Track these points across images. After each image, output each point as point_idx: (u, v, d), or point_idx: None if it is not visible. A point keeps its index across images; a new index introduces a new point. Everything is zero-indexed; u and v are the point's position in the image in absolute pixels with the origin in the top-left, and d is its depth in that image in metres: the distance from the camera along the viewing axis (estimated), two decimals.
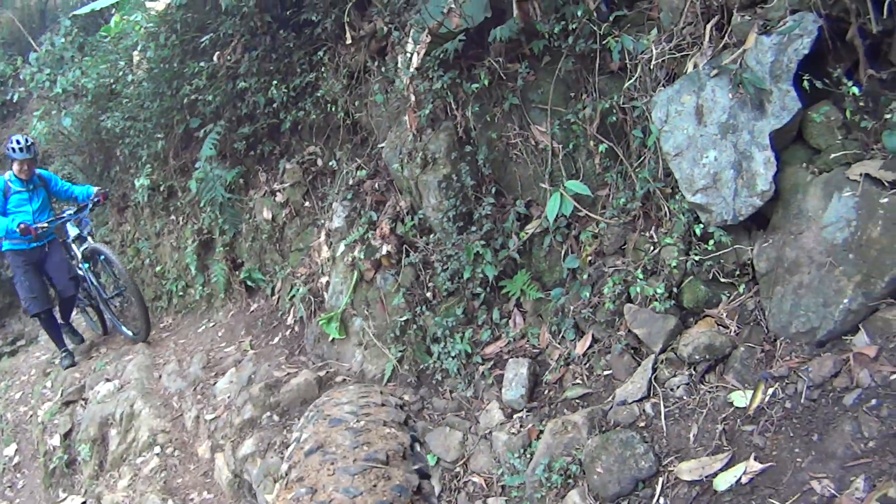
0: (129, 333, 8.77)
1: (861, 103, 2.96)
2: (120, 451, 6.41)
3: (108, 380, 7.65)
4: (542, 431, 3.42)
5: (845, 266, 2.78)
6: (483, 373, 4.33)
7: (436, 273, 4.85)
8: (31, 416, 8.94)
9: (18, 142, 8.09)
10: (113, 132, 9.66)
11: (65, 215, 8.55)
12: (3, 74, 15.88)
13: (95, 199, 8.53)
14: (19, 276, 8.63)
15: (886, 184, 2.73)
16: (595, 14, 4.02)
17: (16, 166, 8.21)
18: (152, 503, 5.28)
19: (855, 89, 2.87)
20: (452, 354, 4.55)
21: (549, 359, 4.07)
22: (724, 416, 2.81)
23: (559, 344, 4.05)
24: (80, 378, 8.35)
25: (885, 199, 2.70)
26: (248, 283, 7.42)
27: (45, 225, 8.23)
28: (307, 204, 6.56)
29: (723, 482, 2.57)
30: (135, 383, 7.13)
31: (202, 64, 7.23)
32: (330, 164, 6.30)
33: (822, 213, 2.91)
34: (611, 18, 4.00)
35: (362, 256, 5.29)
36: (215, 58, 7.06)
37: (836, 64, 3.11)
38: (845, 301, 2.77)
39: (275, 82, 6.53)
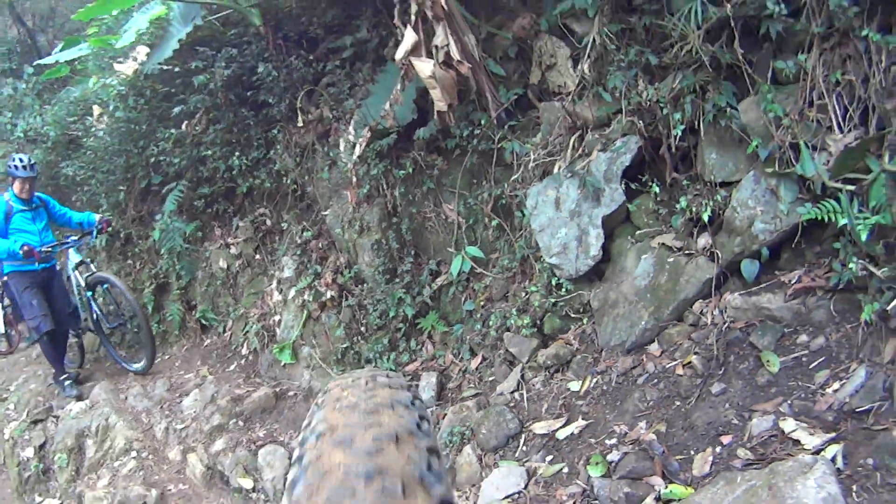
0: (132, 367, 8.70)
1: (660, 198, 4.58)
2: (97, 457, 7.04)
3: (78, 399, 8.03)
4: (446, 414, 4.91)
5: (644, 302, 4.32)
6: None
7: (368, 313, 6.25)
8: None
9: (21, 160, 8.08)
10: (73, 179, 10.11)
11: (69, 240, 8.56)
12: None
13: (99, 227, 8.43)
14: (25, 298, 8.37)
15: (674, 249, 4.34)
16: (496, 121, 5.60)
17: (17, 185, 8.14)
18: (135, 493, 6.08)
19: (656, 188, 4.49)
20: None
21: (452, 373, 5.48)
22: (564, 396, 4.30)
23: (459, 362, 5.47)
24: (43, 400, 8.69)
25: (671, 259, 4.28)
26: (203, 321, 8.37)
27: (49, 249, 8.17)
28: (258, 256, 7.80)
29: (562, 433, 4.04)
30: (104, 402, 7.62)
31: (172, 131, 8.24)
32: (280, 224, 7.63)
33: (635, 269, 4.47)
34: (506, 126, 5.60)
35: (311, 300, 6.70)
36: (183, 126, 8.14)
37: (650, 170, 4.72)
38: (643, 323, 4.28)
39: (235, 153, 7.68)
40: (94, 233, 8.42)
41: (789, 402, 3.19)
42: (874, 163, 3.30)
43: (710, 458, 3.19)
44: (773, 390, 3.33)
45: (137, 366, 8.59)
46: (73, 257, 8.64)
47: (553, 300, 4.92)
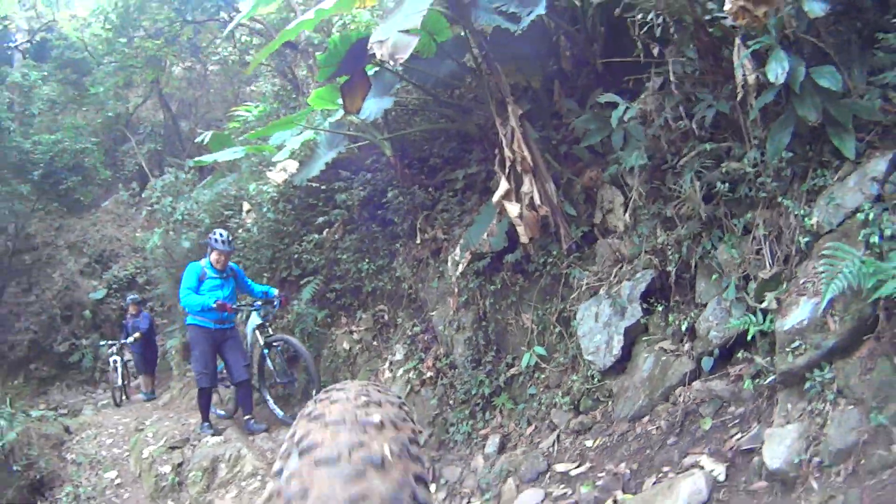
0: (290, 420, 9.28)
1: (665, 314, 6.37)
2: (228, 476, 8.68)
3: (213, 434, 9.52)
4: (500, 460, 6.73)
5: (643, 388, 5.96)
6: (476, 442, 7.51)
7: (456, 390, 8.08)
8: (129, 454, 10.82)
9: (222, 235, 9.08)
10: None
11: (255, 305, 9.70)
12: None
13: (280, 299, 9.66)
14: (197, 351, 9.35)
15: (668, 350, 6.06)
16: (566, 251, 7.44)
17: (214, 256, 9.12)
18: (258, 495, 7.92)
19: (660, 308, 6.30)
20: (461, 432, 7.77)
21: (512, 436, 7.27)
22: (581, 449, 6.15)
23: (518, 429, 7.27)
24: (178, 434, 10.13)
25: (664, 358, 5.98)
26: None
27: (236, 307, 9.25)
28: (375, 343, 9.74)
29: (574, 472, 5.86)
30: (236, 439, 9.29)
31: (314, 235, 10.39)
32: (395, 319, 9.66)
33: (643, 365, 6.23)
34: (573, 255, 7.47)
35: (415, 378, 8.60)
36: (324, 233, 10.26)
37: (660, 294, 6.50)
38: (640, 402, 5.89)
39: (365, 259, 9.74)
40: (276, 304, 9.65)
41: (709, 447, 4.91)
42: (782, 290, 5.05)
43: (654, 480, 4.92)
44: (703, 440, 5.05)
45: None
46: (255, 319, 9.85)
47: (588, 386, 6.70)
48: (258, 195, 11.55)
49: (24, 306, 20.06)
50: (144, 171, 22.53)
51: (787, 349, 4.51)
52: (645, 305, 6.39)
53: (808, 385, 4.36)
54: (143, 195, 20.09)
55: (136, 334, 15.84)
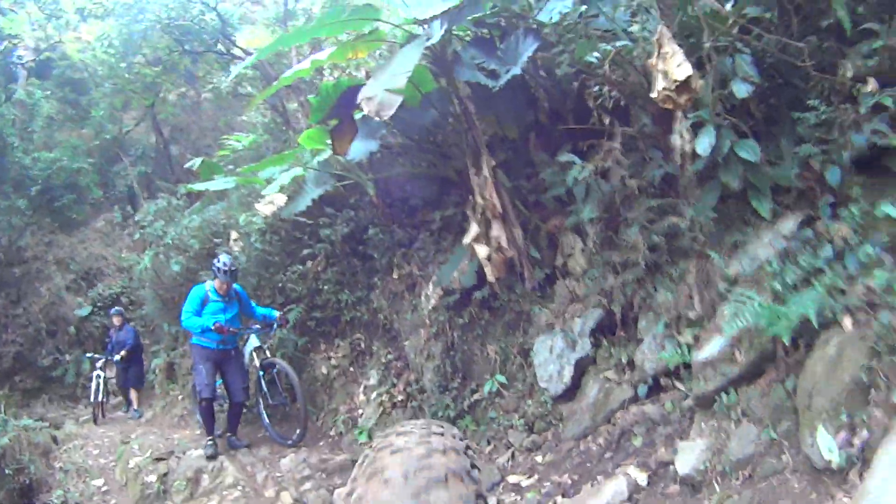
0: (287, 441, 10.05)
1: (611, 348, 7.26)
2: (210, 486, 9.22)
3: (211, 459, 9.66)
4: None
5: (589, 412, 6.81)
6: None
7: (425, 413, 8.91)
8: (115, 464, 11.27)
9: (226, 264, 9.31)
10: None
11: (253, 328, 10.00)
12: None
13: (279, 322, 9.96)
14: (199, 367, 9.56)
15: (611, 379, 6.94)
16: (529, 290, 8.23)
17: (217, 283, 9.39)
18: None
19: (606, 342, 7.20)
20: None
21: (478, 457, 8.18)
22: (532, 464, 7.01)
23: (479, 447, 8.10)
24: (163, 446, 10.79)
25: (608, 385, 6.85)
26: None
27: (235, 330, 9.47)
28: (351, 368, 10.57)
29: (524, 483, 6.72)
30: (219, 453, 9.65)
31: (298, 266, 11.19)
32: (371, 347, 10.49)
33: (590, 394, 7.12)
34: (537, 294, 8.29)
35: (387, 401, 9.45)
36: (308, 264, 11.04)
37: (607, 331, 7.41)
38: (585, 424, 6.76)
39: (345, 290, 10.58)
40: (275, 326, 9.97)
41: (638, 460, 5.80)
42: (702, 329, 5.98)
43: (590, 486, 5.80)
44: (633, 454, 5.94)
45: (290, 441, 10.03)
46: (254, 341, 10.32)
47: (542, 411, 7.55)
48: (247, 225, 12.19)
49: (12, 318, 20.48)
50: (135, 191, 23.12)
51: (701, 377, 5.43)
52: (593, 340, 7.27)
53: (716, 406, 5.27)
54: (135, 217, 20.67)
55: (123, 352, 15.75)
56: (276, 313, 10.08)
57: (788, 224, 5.60)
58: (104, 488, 10.68)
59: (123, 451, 11.38)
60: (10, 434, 10.80)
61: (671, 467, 5.40)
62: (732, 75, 5.63)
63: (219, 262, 9.39)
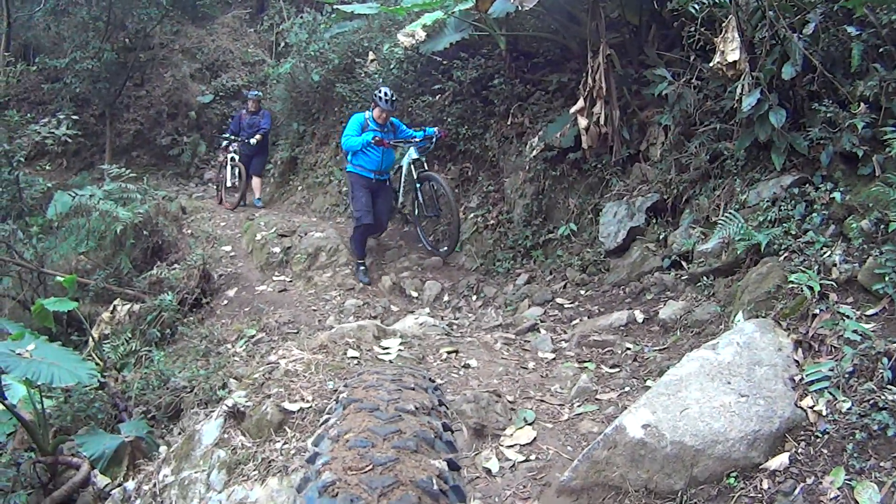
0: (439, 251, 11.27)
1: (657, 226, 9.80)
2: (327, 261, 11.36)
3: (315, 230, 11.97)
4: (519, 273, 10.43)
5: (627, 267, 9.50)
6: (511, 276, 11.11)
7: (508, 238, 11.69)
8: (241, 236, 13.37)
9: (387, 93, 9.95)
10: (343, 97, 14.70)
11: (413, 140, 10.85)
12: None
13: (438, 135, 10.88)
14: (357, 194, 10.38)
15: (651, 249, 9.48)
16: (613, 163, 10.79)
17: (377, 111, 10.06)
18: (349, 282, 11.00)
19: (654, 221, 9.70)
20: (503, 267, 11.45)
21: (537, 278, 10.92)
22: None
23: (542, 275, 10.90)
24: (286, 226, 12.50)
25: (646, 254, 9.48)
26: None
27: (395, 144, 10.41)
28: (456, 191, 12.90)
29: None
30: (335, 237, 11.85)
31: (427, 97, 12.83)
32: (477, 177, 12.81)
33: (633, 256, 9.57)
34: (617, 167, 10.91)
35: (481, 223, 12.18)
36: (436, 98, 12.83)
37: (659, 212, 9.90)
38: (624, 274, 9.56)
39: (464, 125, 12.41)
40: (434, 139, 10.97)
41: (643, 307, 8.50)
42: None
43: (605, 315, 8.54)
44: (644, 303, 8.63)
45: (442, 251, 11.30)
46: (413, 154, 11.07)
47: (595, 258, 10.11)
48: (389, 53, 13.67)
49: (135, 99, 22.54)
50: None
51: (696, 263, 8.06)
52: (647, 216, 9.62)
53: (699, 284, 7.85)
54: (264, 20, 23.03)
55: (258, 136, 16.45)
56: (434, 129, 11.11)
57: (788, 179, 7.52)
58: (232, 253, 12.75)
59: (249, 226, 13.34)
60: (150, 203, 13.15)
61: (657, 315, 7.98)
62: (785, 59, 7.47)
63: (380, 91, 10.23)
